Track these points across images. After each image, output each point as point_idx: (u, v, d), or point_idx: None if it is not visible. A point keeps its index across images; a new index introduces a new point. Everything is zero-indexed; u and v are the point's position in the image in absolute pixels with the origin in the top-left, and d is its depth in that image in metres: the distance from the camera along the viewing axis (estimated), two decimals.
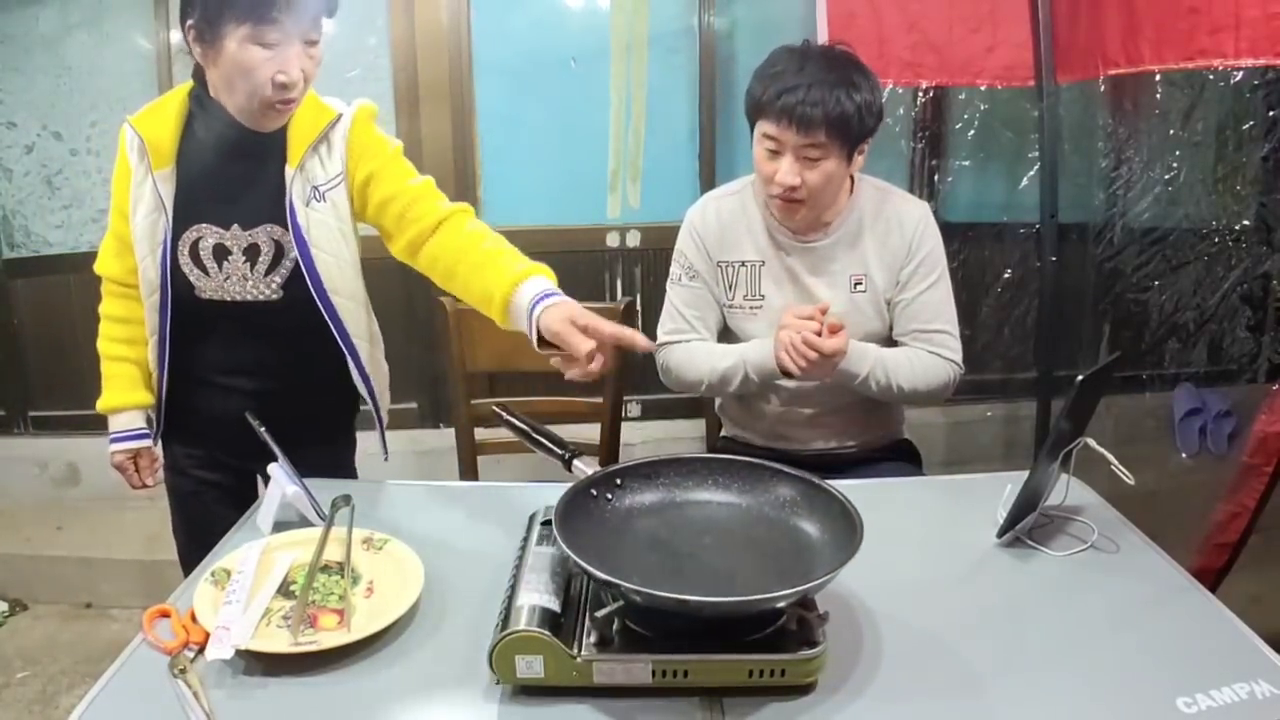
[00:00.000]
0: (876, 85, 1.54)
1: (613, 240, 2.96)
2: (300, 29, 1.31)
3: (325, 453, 1.55)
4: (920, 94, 2.84)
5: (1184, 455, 2.79)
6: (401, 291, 2.98)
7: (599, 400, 2.02)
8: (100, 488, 2.83)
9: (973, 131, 2.88)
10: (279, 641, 1.03)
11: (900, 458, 1.81)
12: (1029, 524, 1.29)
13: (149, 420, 1.61)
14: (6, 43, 2.81)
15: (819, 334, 1.49)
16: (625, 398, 2.39)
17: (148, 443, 1.59)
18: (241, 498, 1.55)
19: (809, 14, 2.46)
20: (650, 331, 1.61)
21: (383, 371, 1.65)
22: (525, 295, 1.26)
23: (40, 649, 2.46)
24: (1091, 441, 1.26)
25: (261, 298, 1.47)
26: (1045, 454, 1.22)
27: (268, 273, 1.46)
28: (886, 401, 1.71)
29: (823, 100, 1.46)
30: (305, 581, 1.14)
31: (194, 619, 1.08)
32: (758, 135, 1.57)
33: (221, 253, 1.44)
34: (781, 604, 0.95)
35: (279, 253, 1.45)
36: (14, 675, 2.35)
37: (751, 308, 1.70)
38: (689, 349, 1.71)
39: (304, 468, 1.36)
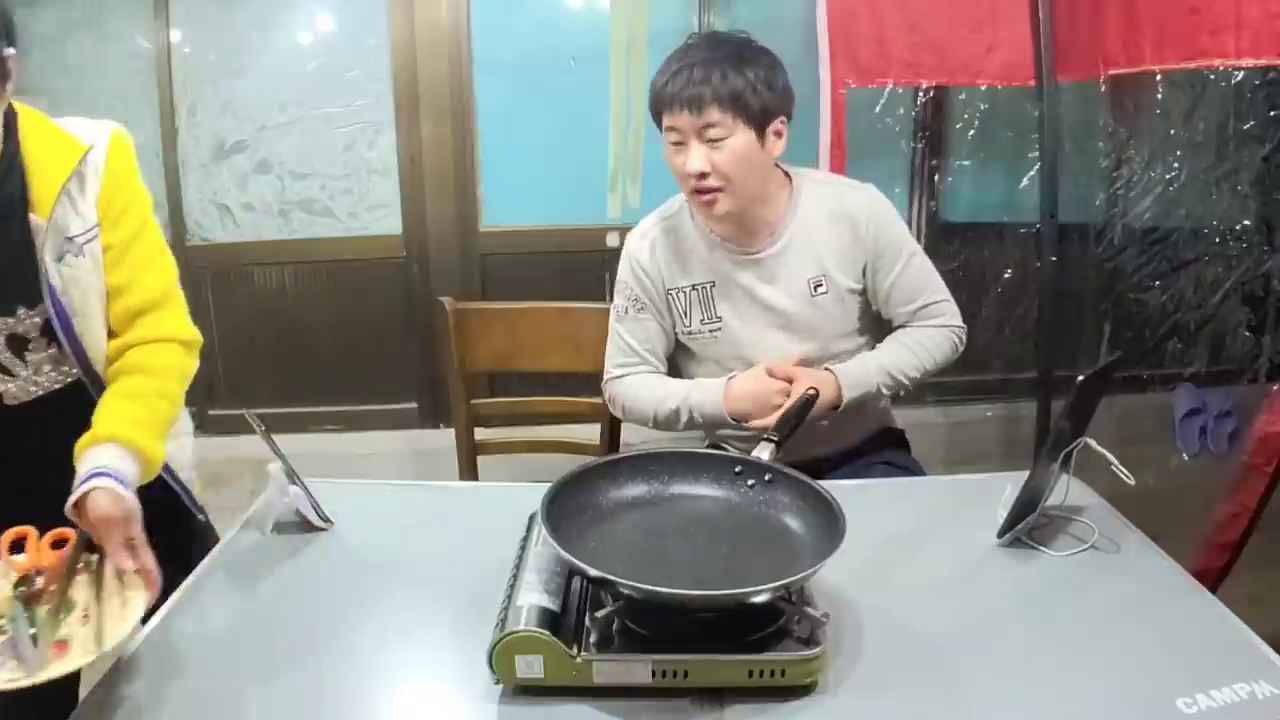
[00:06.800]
0: (775, 63, 1.50)
1: (613, 240, 2.95)
2: None
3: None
4: (920, 94, 2.84)
5: (1184, 455, 2.79)
6: (401, 291, 2.98)
7: (599, 400, 2.01)
8: None
9: (973, 131, 2.88)
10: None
11: (888, 446, 1.78)
12: (1029, 524, 1.29)
13: None
14: None
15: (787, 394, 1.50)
16: None
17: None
18: None
19: (809, 14, 2.46)
20: None
21: (181, 446, 1.32)
22: (88, 461, 1.08)
23: None
24: (1092, 442, 1.26)
25: (72, 378, 1.21)
26: (1045, 454, 1.22)
27: None
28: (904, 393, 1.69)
29: (708, 77, 1.44)
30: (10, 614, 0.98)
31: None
32: (664, 134, 1.54)
33: (18, 344, 1.17)
34: (766, 597, 0.95)
35: None
36: None
37: (710, 331, 1.64)
38: (637, 383, 1.68)
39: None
